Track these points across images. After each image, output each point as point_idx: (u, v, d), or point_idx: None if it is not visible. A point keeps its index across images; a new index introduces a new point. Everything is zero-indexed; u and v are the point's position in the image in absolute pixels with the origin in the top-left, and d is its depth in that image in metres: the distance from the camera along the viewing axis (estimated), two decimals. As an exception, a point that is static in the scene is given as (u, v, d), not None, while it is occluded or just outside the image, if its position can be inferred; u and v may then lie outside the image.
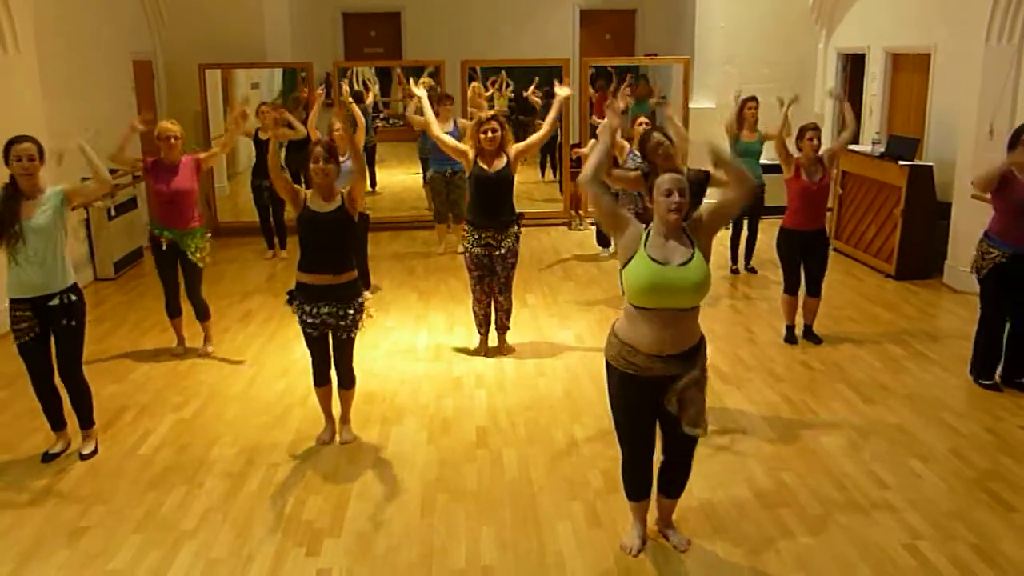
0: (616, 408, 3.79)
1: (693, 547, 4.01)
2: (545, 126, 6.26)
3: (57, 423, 5.01)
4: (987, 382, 5.78)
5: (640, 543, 3.98)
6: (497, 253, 6.24)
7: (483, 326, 6.57)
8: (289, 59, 11.94)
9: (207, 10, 10.97)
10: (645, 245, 3.59)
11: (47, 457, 4.93)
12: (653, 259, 3.54)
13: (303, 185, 5.09)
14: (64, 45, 8.34)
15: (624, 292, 3.70)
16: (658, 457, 3.91)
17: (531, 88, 12.17)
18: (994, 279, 5.62)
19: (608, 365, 3.74)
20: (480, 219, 6.22)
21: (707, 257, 3.61)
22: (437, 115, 9.25)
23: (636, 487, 3.94)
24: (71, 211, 4.85)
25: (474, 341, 6.68)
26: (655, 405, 3.67)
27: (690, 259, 3.55)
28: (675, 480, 3.95)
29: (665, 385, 3.59)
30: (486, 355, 6.52)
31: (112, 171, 8.72)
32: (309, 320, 4.85)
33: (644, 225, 3.70)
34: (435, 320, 7.45)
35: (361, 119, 8.14)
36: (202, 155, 6.46)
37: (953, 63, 8.34)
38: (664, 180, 3.59)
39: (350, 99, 8.12)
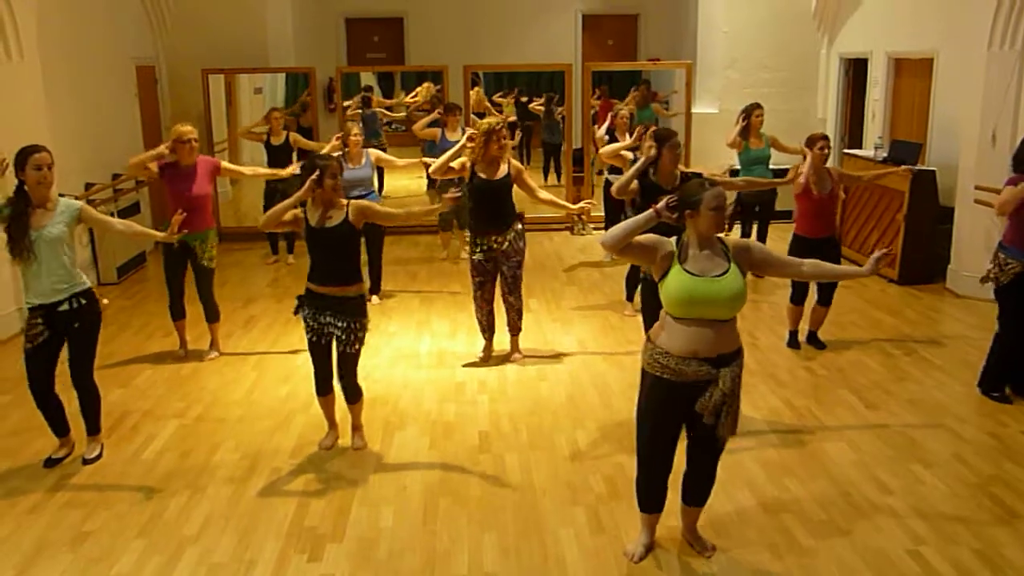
0: (643, 414, 3.78)
1: (696, 553, 4.01)
2: (550, 200, 6.48)
3: (60, 429, 5.00)
4: (996, 394, 5.70)
5: (643, 551, 3.97)
6: (500, 251, 6.23)
7: (487, 331, 6.56)
8: (292, 64, 11.97)
9: (210, 15, 11.00)
10: (680, 259, 3.61)
11: (50, 462, 4.93)
12: (690, 272, 3.57)
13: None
14: (67, 51, 8.37)
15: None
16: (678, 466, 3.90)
17: (534, 103, 12.44)
18: (1015, 291, 5.49)
19: (642, 372, 3.74)
20: (481, 225, 6.22)
21: (744, 273, 3.66)
22: (445, 124, 9.30)
23: (650, 498, 3.92)
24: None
25: (478, 346, 6.67)
26: (683, 411, 3.67)
27: (726, 271, 3.59)
28: (700, 489, 3.94)
29: (696, 392, 3.60)
30: (487, 362, 6.51)
31: (116, 175, 8.80)
32: (314, 326, 4.86)
33: (673, 238, 3.69)
34: (438, 326, 7.45)
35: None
36: (224, 164, 6.48)
37: (955, 68, 8.34)
38: (713, 195, 3.59)
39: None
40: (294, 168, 6.76)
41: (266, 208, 9.37)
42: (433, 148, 9.56)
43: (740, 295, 3.61)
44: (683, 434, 3.84)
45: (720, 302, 3.57)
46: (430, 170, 6.47)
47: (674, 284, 3.58)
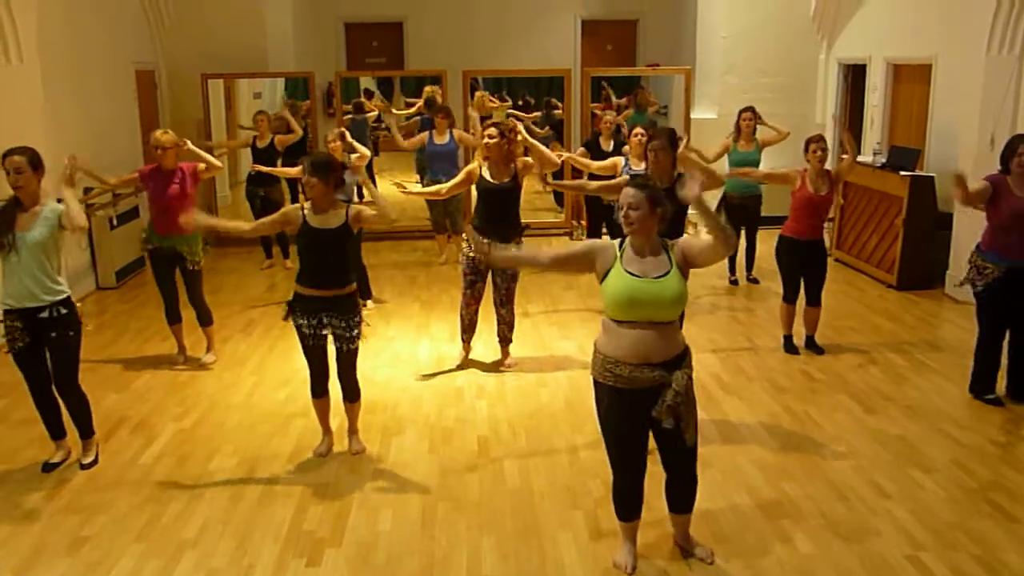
0: (606, 425, 3.78)
1: (694, 558, 4.00)
2: (547, 154, 6.38)
3: (57, 432, 5.00)
4: (989, 396, 5.73)
5: (634, 560, 3.94)
6: None
7: (467, 332, 6.51)
8: (292, 69, 11.97)
9: (210, 20, 11.00)
10: (621, 259, 3.62)
11: (47, 467, 4.92)
12: (630, 272, 3.58)
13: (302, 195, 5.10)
14: (67, 55, 8.37)
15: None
16: (655, 471, 3.89)
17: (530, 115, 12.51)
18: (991, 295, 5.56)
19: (595, 383, 3.75)
20: (483, 226, 6.19)
21: (684, 275, 3.64)
22: (434, 127, 9.34)
23: (627, 507, 3.90)
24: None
25: (476, 353, 6.65)
26: (644, 418, 3.66)
27: (666, 273, 3.58)
28: (683, 495, 3.93)
29: (653, 396, 3.59)
30: (463, 368, 6.48)
31: (116, 195, 8.81)
32: (307, 331, 4.85)
33: (618, 240, 3.71)
34: (437, 330, 7.44)
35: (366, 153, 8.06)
36: (201, 167, 6.47)
37: (954, 74, 8.35)
38: (624, 194, 3.63)
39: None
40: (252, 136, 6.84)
41: (252, 212, 9.38)
42: (422, 153, 9.59)
43: (681, 297, 3.60)
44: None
45: (662, 303, 3.56)
46: (443, 192, 6.48)
47: (614, 285, 3.58)
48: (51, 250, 4.74)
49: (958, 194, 5.53)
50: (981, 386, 5.76)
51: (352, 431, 5.20)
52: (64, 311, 4.78)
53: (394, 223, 5.01)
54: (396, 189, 6.47)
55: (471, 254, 6.24)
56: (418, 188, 7.24)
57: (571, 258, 3.77)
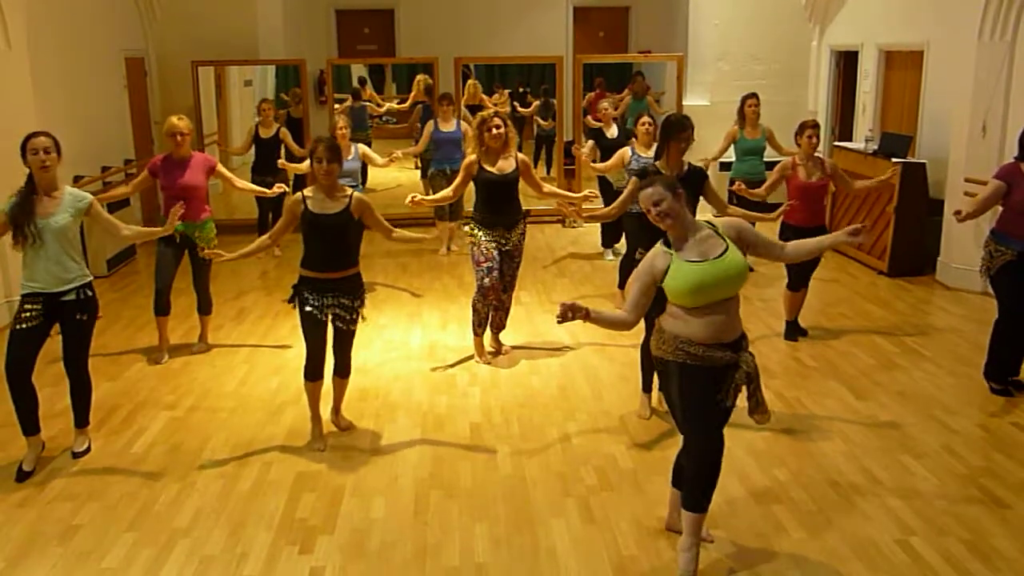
0: (687, 402, 3.65)
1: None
2: (553, 192, 6.47)
3: (30, 426, 4.81)
4: (997, 387, 5.70)
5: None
6: (505, 250, 6.16)
7: (482, 326, 6.38)
8: (282, 56, 11.92)
9: (200, 7, 10.95)
10: (677, 254, 3.59)
11: (21, 476, 4.72)
12: (691, 261, 3.55)
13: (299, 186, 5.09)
14: (56, 42, 8.31)
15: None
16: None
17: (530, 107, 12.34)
18: (1005, 276, 5.53)
19: (666, 363, 3.66)
20: (489, 218, 6.09)
21: (743, 252, 3.66)
22: (436, 115, 9.31)
23: (712, 490, 3.71)
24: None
25: (469, 339, 6.58)
26: (714, 393, 3.61)
27: (725, 250, 3.57)
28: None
29: (722, 375, 3.58)
30: (487, 362, 6.37)
31: (105, 168, 8.72)
32: (312, 309, 4.85)
33: (660, 243, 3.67)
34: (428, 318, 7.44)
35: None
36: (220, 168, 6.46)
37: (946, 60, 8.36)
38: (645, 195, 3.64)
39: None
40: (280, 188, 6.76)
41: (257, 200, 9.32)
42: (429, 139, 9.54)
43: (744, 270, 3.61)
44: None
45: (729, 280, 3.56)
46: (451, 195, 6.30)
47: (681, 277, 3.54)
48: (75, 234, 4.78)
49: (969, 216, 5.58)
50: (996, 372, 5.72)
51: (338, 408, 5.26)
52: (90, 293, 4.81)
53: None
54: (407, 202, 5.92)
55: (486, 243, 6.07)
56: (429, 196, 7.07)
57: (645, 296, 3.68)
